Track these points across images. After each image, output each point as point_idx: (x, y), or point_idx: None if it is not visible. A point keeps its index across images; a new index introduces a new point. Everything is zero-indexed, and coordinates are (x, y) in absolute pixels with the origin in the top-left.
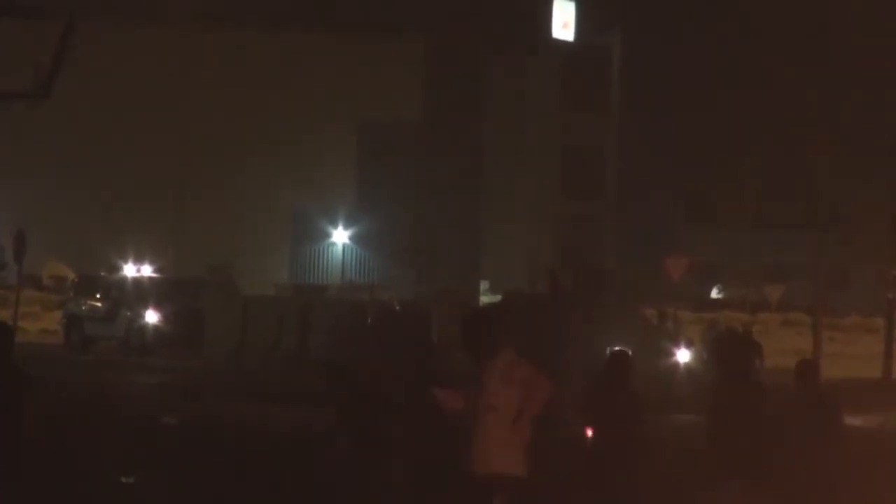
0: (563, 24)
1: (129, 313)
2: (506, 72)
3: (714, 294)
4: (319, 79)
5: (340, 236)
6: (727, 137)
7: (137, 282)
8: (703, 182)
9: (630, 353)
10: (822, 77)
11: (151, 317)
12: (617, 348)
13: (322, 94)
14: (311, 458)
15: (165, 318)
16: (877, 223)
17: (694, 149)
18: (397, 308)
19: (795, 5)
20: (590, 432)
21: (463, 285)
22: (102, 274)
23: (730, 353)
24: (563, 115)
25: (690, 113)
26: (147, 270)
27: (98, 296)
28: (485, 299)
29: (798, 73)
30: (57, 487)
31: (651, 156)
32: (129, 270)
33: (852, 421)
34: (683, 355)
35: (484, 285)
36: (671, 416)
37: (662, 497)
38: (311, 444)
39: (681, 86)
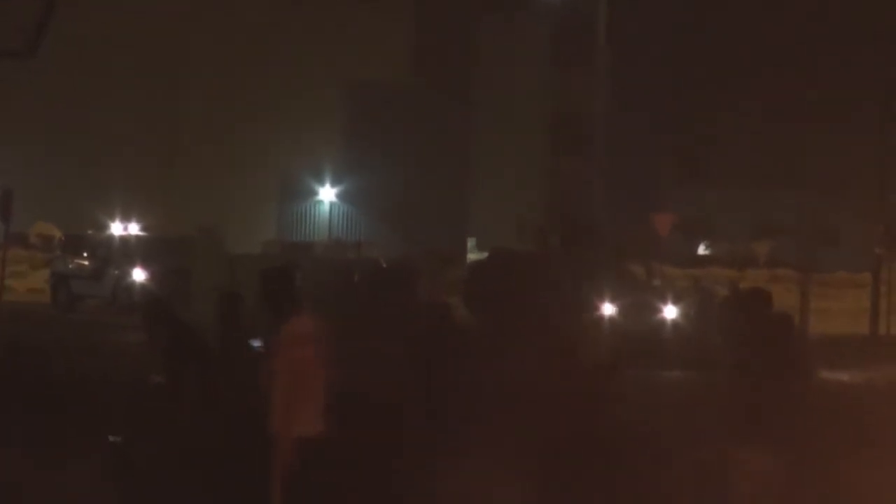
0: None
1: (116, 272)
2: (493, 30)
3: (701, 251)
4: (307, 37)
5: (327, 194)
6: (715, 94)
7: (124, 240)
8: (691, 139)
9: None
10: (812, 34)
11: (138, 275)
12: None
13: (310, 53)
14: None
15: (152, 276)
16: (866, 180)
17: (682, 106)
18: (384, 266)
19: None
20: None
21: (450, 243)
22: (89, 232)
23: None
24: (551, 72)
25: (678, 70)
26: (134, 229)
27: (85, 254)
28: (472, 256)
29: (785, 30)
30: (44, 445)
31: (639, 113)
32: (117, 229)
33: (840, 376)
34: (671, 311)
35: (471, 242)
36: (660, 372)
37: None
38: None
39: (667, 43)
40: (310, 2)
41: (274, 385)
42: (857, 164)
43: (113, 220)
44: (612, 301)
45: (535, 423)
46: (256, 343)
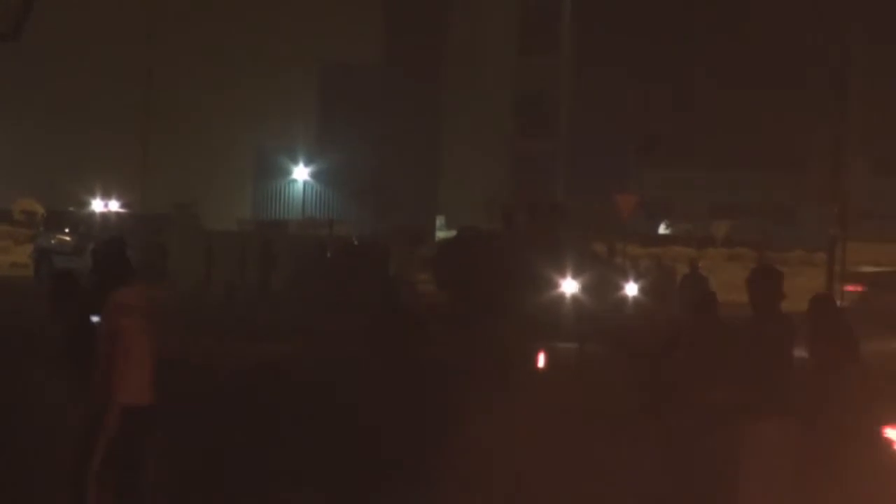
0: None
1: (96, 248)
2: (462, 16)
3: (662, 230)
4: (281, 20)
5: (301, 174)
6: (677, 80)
7: (105, 217)
8: (651, 122)
9: None
10: (770, 20)
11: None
12: None
13: (284, 36)
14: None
15: (131, 252)
16: (821, 162)
17: (643, 90)
18: (356, 243)
19: None
20: None
21: (419, 221)
22: (71, 209)
23: (763, 290)
24: (518, 58)
25: (641, 55)
26: (114, 206)
27: (67, 230)
28: (441, 234)
29: (744, 17)
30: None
31: (602, 97)
32: (97, 206)
33: (798, 351)
34: (632, 288)
35: (440, 221)
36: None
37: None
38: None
39: (631, 29)
40: (294, 4)
41: (97, 354)
42: (812, 147)
43: (94, 197)
44: (575, 278)
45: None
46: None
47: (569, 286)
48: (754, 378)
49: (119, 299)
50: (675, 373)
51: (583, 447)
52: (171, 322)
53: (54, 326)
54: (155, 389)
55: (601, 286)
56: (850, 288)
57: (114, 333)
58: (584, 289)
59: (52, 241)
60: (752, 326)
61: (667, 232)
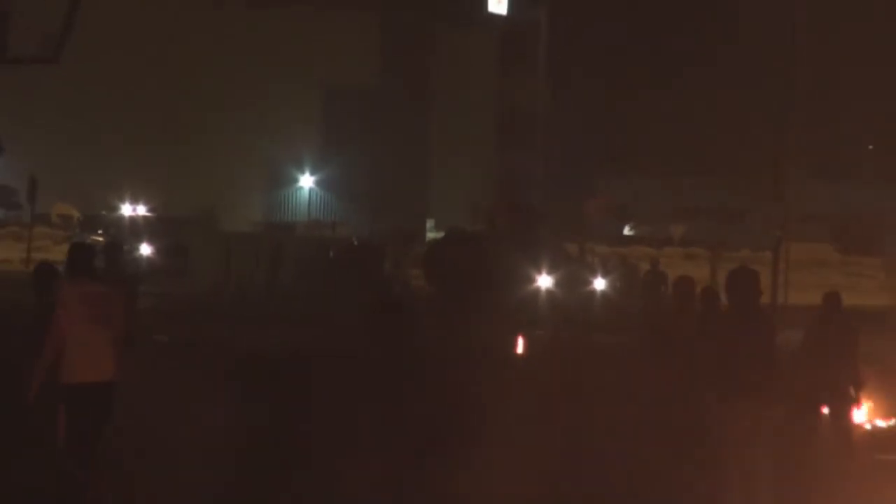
0: (498, 0)
1: (126, 247)
2: (449, 41)
3: (626, 231)
4: (289, 46)
5: (307, 181)
6: (640, 98)
7: (133, 220)
8: (618, 135)
9: None
10: (716, 50)
11: (145, 250)
12: None
13: (291, 60)
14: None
15: (156, 251)
16: (767, 169)
17: (610, 106)
18: (355, 243)
19: None
20: None
21: (412, 224)
22: (103, 213)
23: (743, 288)
24: (499, 79)
25: (608, 76)
26: (141, 210)
27: (99, 232)
28: (431, 235)
29: (696, 48)
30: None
31: (574, 112)
32: (126, 210)
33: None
34: (599, 284)
35: (430, 223)
36: (594, 336)
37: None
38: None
39: (599, 54)
40: (291, 16)
41: (47, 338)
42: (760, 155)
43: (123, 202)
44: (550, 273)
45: (476, 371)
46: None
47: (544, 281)
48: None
49: (74, 291)
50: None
51: (568, 414)
52: (192, 311)
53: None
54: (115, 367)
55: (572, 281)
56: None
57: (65, 319)
58: (558, 284)
59: (87, 242)
60: (736, 322)
61: (631, 233)
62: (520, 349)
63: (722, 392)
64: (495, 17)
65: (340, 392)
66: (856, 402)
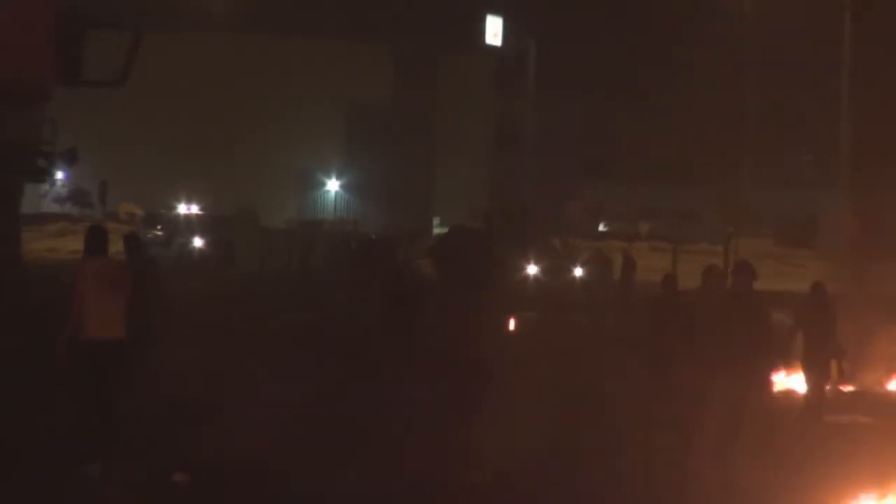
0: (494, 33)
1: (180, 240)
2: (452, 67)
3: (601, 228)
4: (318, 72)
5: (333, 185)
6: (613, 115)
7: (187, 217)
8: (594, 146)
9: None
10: (677, 76)
11: (196, 243)
12: None
13: (319, 84)
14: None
15: (206, 244)
16: (722, 175)
17: (588, 121)
18: (373, 237)
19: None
20: None
21: (420, 220)
22: (162, 211)
23: (739, 277)
24: (494, 98)
25: (586, 97)
26: (194, 209)
27: (159, 227)
28: (437, 230)
29: (660, 74)
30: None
31: (558, 126)
32: (181, 209)
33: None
34: (578, 272)
35: (436, 221)
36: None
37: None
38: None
39: (577, 78)
40: (321, 50)
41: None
42: (715, 165)
43: (179, 202)
44: (537, 264)
45: (471, 341)
46: None
47: (531, 269)
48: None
49: (88, 266)
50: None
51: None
52: (237, 294)
53: None
54: (124, 328)
55: (555, 270)
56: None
57: (84, 288)
58: (543, 272)
59: (149, 236)
60: (738, 304)
61: (605, 230)
62: (511, 327)
63: (716, 367)
64: (491, 48)
65: (367, 363)
66: (841, 371)
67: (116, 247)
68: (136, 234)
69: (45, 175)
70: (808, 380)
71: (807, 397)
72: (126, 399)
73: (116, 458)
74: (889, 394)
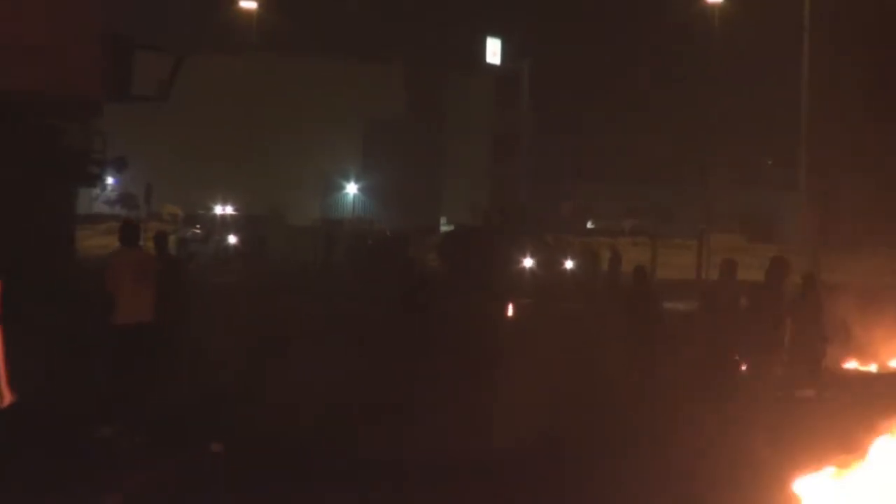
0: (493, 53)
1: (217, 237)
2: (457, 84)
3: (589, 225)
4: (340, 89)
5: (352, 188)
6: (599, 124)
7: (223, 217)
8: (582, 151)
9: None
10: (653, 90)
11: (231, 240)
12: None
13: (341, 100)
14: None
15: (240, 241)
16: (694, 177)
17: (577, 131)
18: (388, 234)
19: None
20: None
21: (429, 220)
22: (200, 212)
23: (774, 271)
24: (494, 111)
25: (575, 108)
26: (229, 209)
27: (198, 226)
28: (444, 228)
29: (639, 88)
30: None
31: (550, 135)
32: (218, 209)
33: (676, 306)
34: (569, 264)
35: (443, 220)
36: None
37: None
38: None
39: (567, 91)
40: (343, 70)
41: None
42: (689, 169)
43: (216, 203)
44: (532, 257)
45: (472, 326)
46: None
47: (527, 262)
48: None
49: (122, 257)
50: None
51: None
52: (267, 285)
53: None
54: (151, 312)
55: (549, 263)
56: None
57: (118, 276)
58: (538, 265)
59: (189, 234)
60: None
61: (592, 227)
62: (510, 313)
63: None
64: (491, 66)
65: (390, 343)
66: (824, 353)
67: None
68: (165, 234)
69: (97, 180)
70: (796, 361)
71: (795, 377)
72: (159, 376)
73: (137, 425)
74: (847, 371)
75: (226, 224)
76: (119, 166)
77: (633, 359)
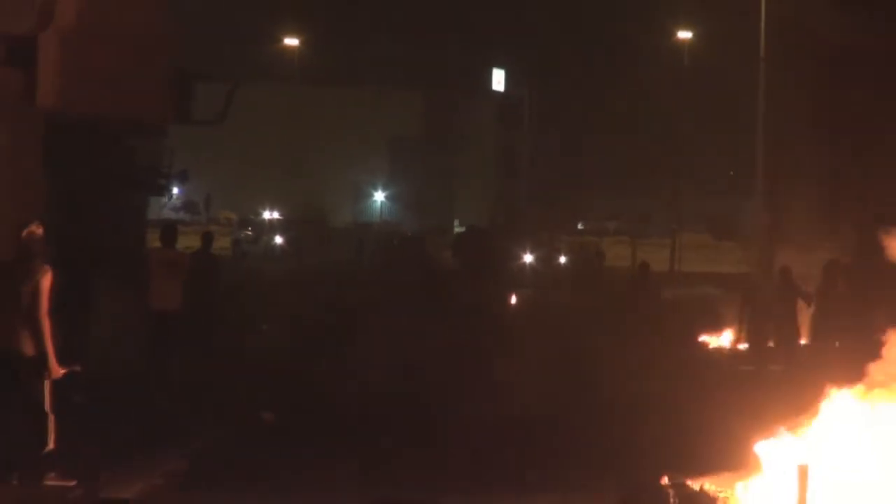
0: (497, 82)
1: (266, 238)
2: (467, 107)
3: (579, 227)
4: (368, 112)
5: (379, 196)
6: (589, 143)
7: (271, 221)
8: (574, 167)
9: None
10: (634, 110)
11: (277, 240)
12: None
13: (369, 121)
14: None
15: (285, 241)
16: (668, 186)
17: (570, 148)
18: (409, 235)
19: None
20: None
21: (444, 222)
22: (251, 216)
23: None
24: (499, 132)
25: (569, 127)
26: (275, 214)
27: (249, 229)
28: (457, 230)
29: (624, 110)
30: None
31: (547, 151)
32: (266, 215)
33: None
34: (563, 259)
35: (457, 222)
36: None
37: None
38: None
39: (562, 114)
40: (370, 94)
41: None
42: (664, 177)
43: (264, 209)
44: (532, 254)
45: (482, 313)
46: None
47: (527, 258)
48: None
49: (160, 254)
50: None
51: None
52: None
53: None
54: (181, 301)
55: (546, 258)
56: None
57: (159, 265)
58: (536, 260)
59: (242, 235)
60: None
61: (582, 227)
62: (513, 302)
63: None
64: (496, 93)
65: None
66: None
67: (220, 243)
68: (211, 234)
69: (164, 190)
70: (781, 342)
71: (783, 356)
72: (195, 353)
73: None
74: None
75: (273, 227)
76: (182, 178)
77: (631, 338)
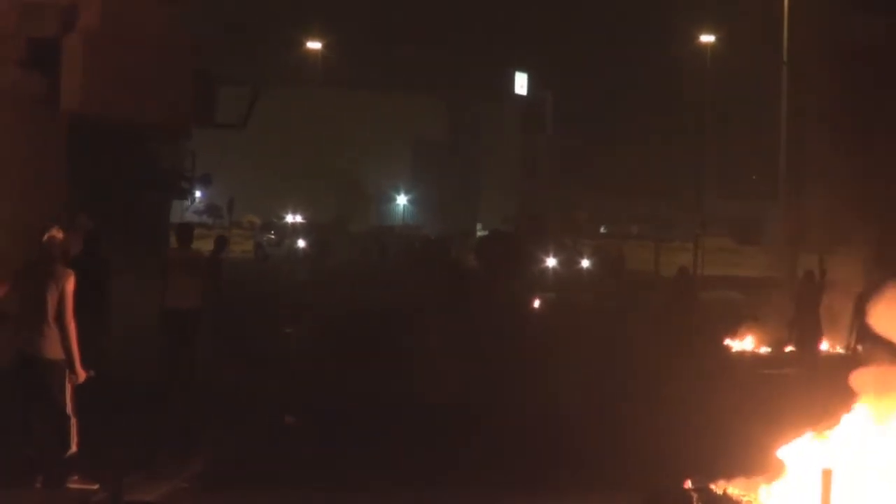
0: (520, 86)
1: (288, 241)
2: (490, 111)
3: (602, 230)
4: (392, 117)
5: (402, 199)
6: (612, 146)
7: (293, 225)
8: (596, 170)
9: None
10: (657, 115)
11: (300, 243)
12: None
13: (393, 125)
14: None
15: (308, 245)
16: (690, 190)
17: (593, 152)
18: (432, 238)
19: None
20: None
21: (467, 225)
22: (274, 220)
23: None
24: (521, 136)
25: (591, 131)
26: (298, 218)
27: (272, 232)
28: (480, 233)
29: (646, 113)
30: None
31: (569, 154)
32: (289, 218)
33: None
34: (585, 263)
35: (479, 226)
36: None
37: None
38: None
39: (583, 118)
40: (394, 99)
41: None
42: (687, 182)
43: (287, 213)
44: (555, 257)
45: (505, 314)
46: None
47: (550, 262)
48: None
49: (177, 253)
50: None
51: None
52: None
53: None
54: (198, 300)
55: (568, 262)
56: None
57: (175, 266)
58: (559, 264)
59: (265, 238)
60: None
61: (605, 231)
62: (536, 304)
63: None
64: (518, 97)
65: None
66: (821, 336)
67: (242, 246)
68: (224, 238)
69: (187, 194)
70: (800, 343)
71: (800, 357)
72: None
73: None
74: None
75: (296, 230)
76: (205, 182)
77: (673, 339)
